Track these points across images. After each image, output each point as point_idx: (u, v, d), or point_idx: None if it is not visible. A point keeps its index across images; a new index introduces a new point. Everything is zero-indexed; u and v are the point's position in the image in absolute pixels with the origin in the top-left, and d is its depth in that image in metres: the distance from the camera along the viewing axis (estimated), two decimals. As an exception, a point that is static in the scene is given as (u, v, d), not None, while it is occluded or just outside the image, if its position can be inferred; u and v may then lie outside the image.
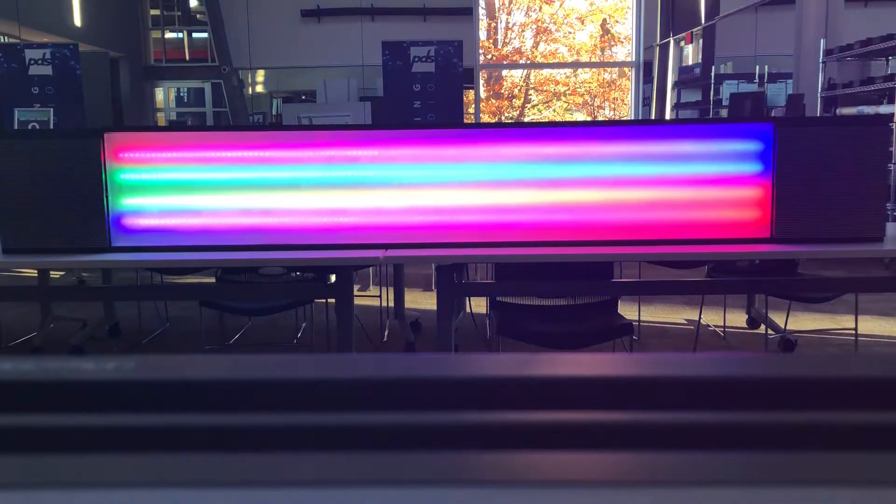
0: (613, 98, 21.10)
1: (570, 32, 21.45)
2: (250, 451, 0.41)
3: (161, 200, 3.13)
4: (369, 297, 5.06)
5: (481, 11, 16.22)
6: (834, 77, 7.84)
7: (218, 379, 0.45)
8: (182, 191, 3.12)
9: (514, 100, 21.87)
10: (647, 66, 13.31)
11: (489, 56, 20.34)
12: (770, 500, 0.37)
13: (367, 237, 3.11)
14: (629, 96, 14.86)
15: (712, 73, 10.60)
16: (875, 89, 7.10)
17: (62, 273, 5.71)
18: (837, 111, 7.62)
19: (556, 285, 3.47)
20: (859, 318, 3.92)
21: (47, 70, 8.14)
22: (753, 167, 3.07)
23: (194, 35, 14.13)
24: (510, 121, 20.69)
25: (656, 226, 3.09)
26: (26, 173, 3.04)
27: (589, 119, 19.96)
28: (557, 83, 21.95)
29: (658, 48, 12.68)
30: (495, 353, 0.54)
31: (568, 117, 20.80)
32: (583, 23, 21.24)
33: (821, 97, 7.66)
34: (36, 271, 4.26)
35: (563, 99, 21.75)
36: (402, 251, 3.10)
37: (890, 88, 6.85)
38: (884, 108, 7.00)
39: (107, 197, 3.09)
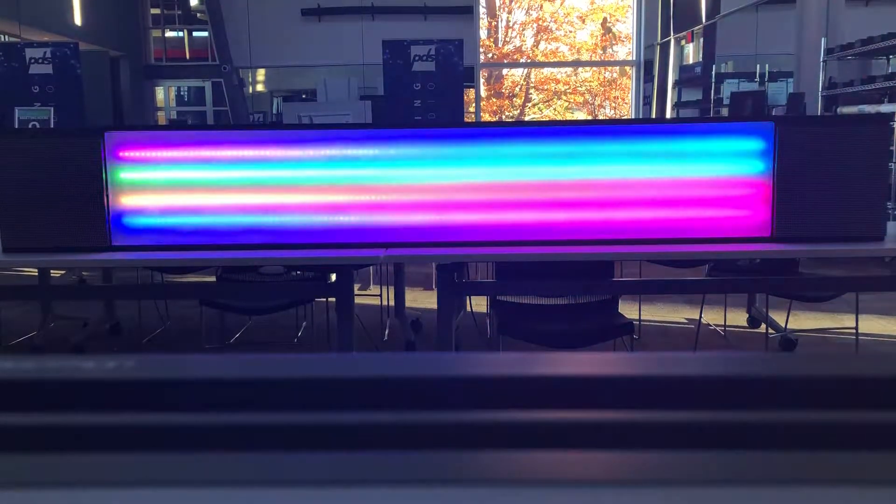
0: (614, 97, 21.09)
1: (570, 31, 21.45)
2: (251, 450, 0.41)
3: (161, 199, 3.12)
4: (370, 296, 5.06)
5: (482, 10, 16.22)
6: (835, 76, 7.83)
7: (218, 378, 0.45)
8: (182, 190, 3.12)
9: (514, 99, 21.86)
10: (648, 64, 13.30)
11: (490, 55, 20.33)
12: (771, 499, 0.36)
13: (368, 236, 3.11)
14: (630, 95, 14.86)
15: (713, 72, 10.59)
16: (876, 88, 7.10)
17: (62, 272, 5.71)
18: (838, 110, 7.61)
19: (557, 284, 3.47)
20: (860, 317, 3.92)
21: (47, 69, 8.14)
22: (754, 166, 3.06)
23: (195, 34, 14.12)
24: (511, 120, 20.68)
25: (657, 225, 3.09)
26: (26, 172, 3.04)
27: (589, 118, 19.94)
28: (558, 82, 21.94)
29: (659, 47, 12.67)
30: (496, 353, 0.54)
31: (568, 116, 20.78)
32: (583, 21, 21.23)
33: (822, 96, 7.65)
34: (36, 270, 4.26)
35: (564, 98, 21.74)
36: (403, 250, 3.10)
37: (891, 87, 6.85)
38: (885, 107, 7.00)
39: (107, 196, 3.08)
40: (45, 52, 8.14)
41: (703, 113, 10.98)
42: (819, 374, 0.45)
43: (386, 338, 4.31)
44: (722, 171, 3.08)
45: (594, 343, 3.27)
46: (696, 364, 0.46)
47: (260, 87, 14.24)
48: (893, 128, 4.73)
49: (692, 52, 12.10)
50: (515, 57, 21.56)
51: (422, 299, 5.04)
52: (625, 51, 19.44)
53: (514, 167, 3.08)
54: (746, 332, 4.37)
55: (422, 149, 3.11)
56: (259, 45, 13.08)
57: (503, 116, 21.19)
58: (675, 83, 12.27)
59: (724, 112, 9.48)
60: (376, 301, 4.77)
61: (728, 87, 9.86)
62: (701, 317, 4.29)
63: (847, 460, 0.39)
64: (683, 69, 12.19)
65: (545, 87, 22.09)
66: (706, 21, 11.06)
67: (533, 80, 22.03)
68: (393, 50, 7.84)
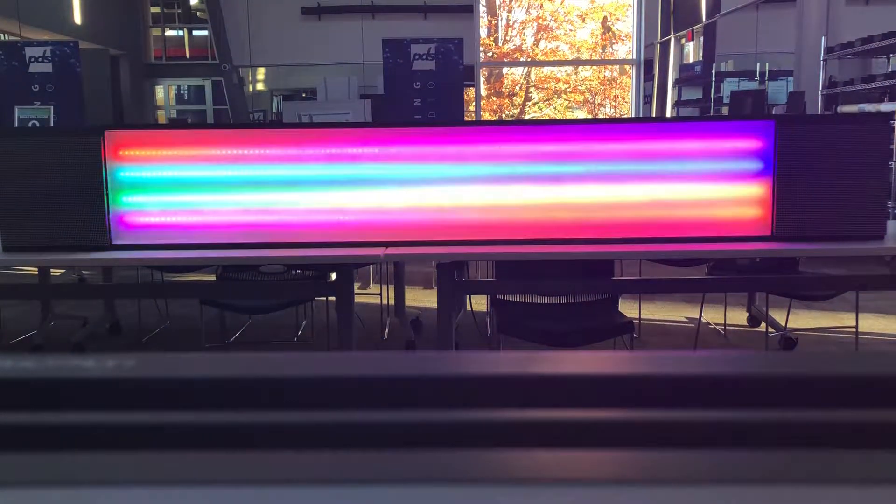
0: (614, 96, 21.08)
1: (570, 30, 21.43)
2: (251, 449, 0.41)
3: (161, 198, 3.12)
4: (370, 295, 5.06)
5: (482, 9, 16.21)
6: (835, 75, 7.83)
7: (218, 377, 0.45)
8: (182, 189, 3.12)
9: (514, 98, 21.85)
10: (648, 63, 13.29)
11: (490, 54, 20.32)
12: (771, 498, 0.36)
13: (368, 235, 3.11)
14: (630, 94, 14.85)
15: (713, 71, 10.59)
16: (876, 87, 7.10)
17: (62, 271, 5.71)
18: (838, 109, 7.61)
19: (557, 283, 3.47)
20: (860, 315, 3.92)
21: (47, 68, 8.13)
22: (754, 165, 3.06)
23: (195, 33, 14.12)
24: (511, 119, 20.67)
25: (657, 224, 3.09)
26: (26, 171, 3.04)
27: (590, 117, 19.93)
28: (558, 81, 21.93)
29: (659, 46, 12.66)
30: (496, 351, 0.54)
31: (568, 115, 20.77)
32: (584, 20, 21.21)
33: (822, 95, 7.65)
34: (36, 269, 4.26)
35: (564, 97, 21.73)
36: (403, 249, 3.10)
37: (891, 86, 6.85)
38: (885, 106, 6.99)
39: (107, 195, 3.08)
40: (44, 51, 8.13)
41: (703, 112, 10.98)
42: (819, 374, 0.45)
43: (386, 337, 4.31)
44: (722, 170, 3.08)
45: (594, 342, 3.27)
46: (697, 363, 0.46)
47: (260, 86, 14.24)
48: (893, 126, 4.73)
49: (692, 51, 12.09)
50: (515, 56, 21.55)
51: (422, 298, 5.04)
52: (625, 49, 19.43)
53: (514, 166, 3.08)
54: (746, 330, 4.37)
55: (422, 148, 3.11)
56: (259, 43, 13.08)
57: (503, 115, 21.18)
58: (676, 82, 12.26)
59: (725, 111, 9.48)
60: (376, 300, 4.77)
61: (728, 86, 9.86)
62: (701, 316, 4.29)
63: (847, 460, 0.39)
64: (683, 68, 12.18)
65: (545, 85, 22.09)
66: (706, 20, 11.05)
67: (533, 78, 22.03)
68: (393, 49, 7.84)
